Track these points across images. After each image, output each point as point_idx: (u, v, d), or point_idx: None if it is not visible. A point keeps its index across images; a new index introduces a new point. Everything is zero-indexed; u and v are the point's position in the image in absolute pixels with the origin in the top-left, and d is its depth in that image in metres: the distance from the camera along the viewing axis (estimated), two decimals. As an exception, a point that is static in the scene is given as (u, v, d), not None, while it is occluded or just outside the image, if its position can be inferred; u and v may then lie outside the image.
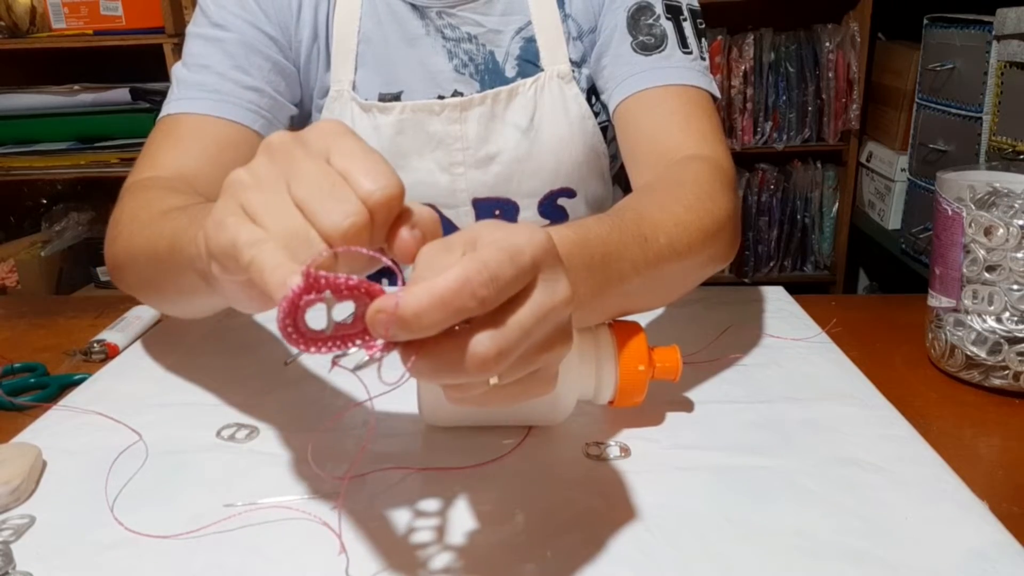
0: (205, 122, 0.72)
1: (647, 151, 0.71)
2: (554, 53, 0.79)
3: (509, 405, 0.38)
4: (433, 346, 0.34)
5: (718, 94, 0.76)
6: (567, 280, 0.36)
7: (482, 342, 0.33)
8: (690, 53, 0.75)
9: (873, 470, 0.49)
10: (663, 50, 0.74)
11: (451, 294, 0.32)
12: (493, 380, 0.36)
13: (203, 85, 0.73)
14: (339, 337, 0.33)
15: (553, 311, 0.35)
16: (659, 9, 0.76)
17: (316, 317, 0.32)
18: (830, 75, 1.93)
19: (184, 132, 0.72)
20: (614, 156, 0.85)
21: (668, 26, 0.75)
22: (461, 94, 0.79)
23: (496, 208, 0.83)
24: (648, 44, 0.74)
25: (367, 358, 0.34)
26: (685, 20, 0.76)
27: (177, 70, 0.76)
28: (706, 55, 0.77)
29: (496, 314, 0.34)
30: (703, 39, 0.77)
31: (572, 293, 0.36)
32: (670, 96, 0.72)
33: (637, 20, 0.76)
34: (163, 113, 0.74)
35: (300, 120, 0.85)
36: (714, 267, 0.61)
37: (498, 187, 0.81)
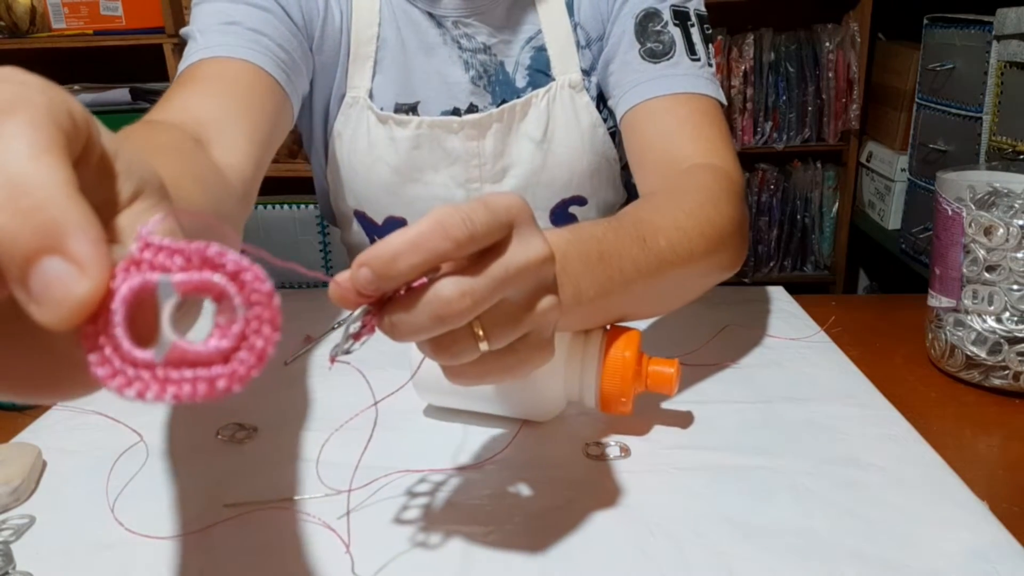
0: (236, 65, 0.66)
1: (655, 160, 0.70)
2: (565, 62, 0.78)
3: (509, 377, 0.39)
4: (404, 298, 0.34)
5: (725, 101, 0.75)
6: (543, 239, 0.37)
7: (446, 285, 0.34)
8: (698, 60, 0.74)
9: (873, 470, 0.49)
10: (671, 57, 0.73)
11: (424, 236, 0.33)
12: (483, 346, 0.36)
13: (234, 33, 0.68)
14: (184, 360, 0.19)
15: (528, 266, 0.36)
16: (667, 16, 0.75)
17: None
18: (830, 75, 1.93)
19: (207, 75, 0.65)
20: (625, 161, 0.85)
21: (676, 33, 0.74)
22: (476, 107, 0.79)
23: None
24: (656, 51, 0.74)
25: (351, 340, 0.35)
26: (693, 26, 0.75)
27: (191, 31, 0.70)
28: (713, 61, 0.76)
29: (469, 266, 0.35)
30: (710, 45, 0.76)
31: (549, 252, 0.37)
32: (678, 104, 0.72)
33: (645, 27, 0.75)
34: (184, 65, 0.67)
35: (307, 118, 0.83)
36: (720, 275, 0.61)
37: None
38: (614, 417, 0.56)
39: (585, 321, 0.51)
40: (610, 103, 0.79)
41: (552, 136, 0.79)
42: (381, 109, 0.78)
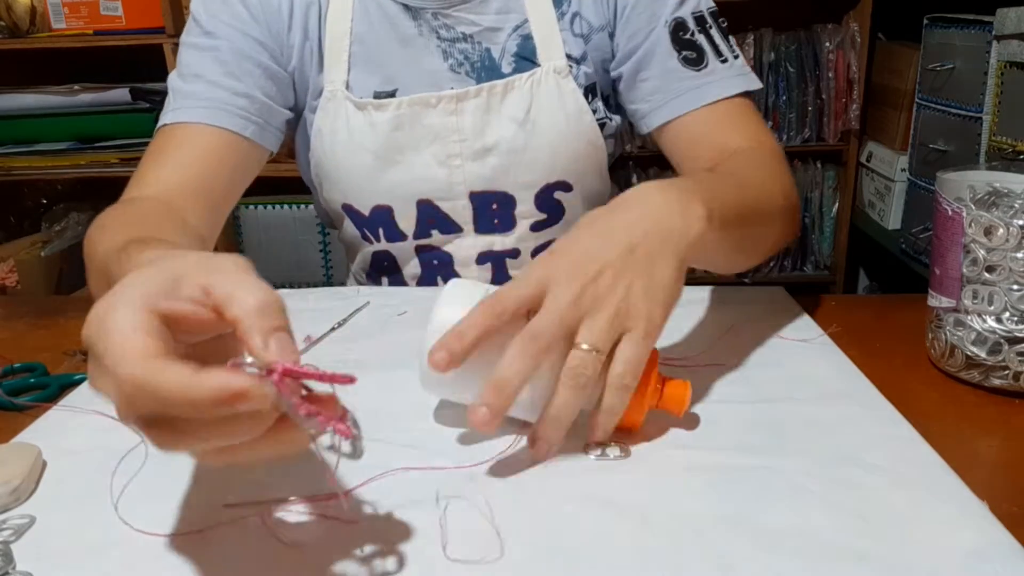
0: (196, 131, 0.75)
1: (708, 155, 0.77)
2: (550, 49, 0.80)
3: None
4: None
5: (758, 84, 0.81)
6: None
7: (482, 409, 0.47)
8: (725, 61, 0.79)
9: (873, 470, 0.49)
10: (706, 65, 0.79)
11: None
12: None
13: (195, 95, 0.75)
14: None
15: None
16: (691, 24, 0.79)
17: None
18: (830, 75, 1.92)
19: (174, 144, 0.75)
20: (611, 152, 0.86)
21: (702, 39, 0.79)
22: None
23: (493, 201, 0.84)
24: (691, 59, 0.79)
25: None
26: (711, 28, 0.80)
27: (172, 80, 0.78)
28: (737, 51, 0.80)
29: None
30: (729, 37, 0.81)
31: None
32: (719, 109, 0.78)
33: (678, 35, 0.79)
34: (159, 124, 0.77)
35: (296, 123, 0.85)
36: (785, 240, 0.71)
37: (495, 180, 0.82)
38: (614, 417, 0.56)
39: (716, 251, 0.58)
40: (639, 106, 0.82)
41: (536, 118, 0.80)
42: (360, 98, 0.80)
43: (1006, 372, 0.59)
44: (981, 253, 0.58)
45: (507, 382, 0.47)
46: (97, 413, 0.58)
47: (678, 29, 0.79)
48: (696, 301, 0.76)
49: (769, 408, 0.57)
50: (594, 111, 0.82)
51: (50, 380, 0.65)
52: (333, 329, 0.72)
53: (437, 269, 0.88)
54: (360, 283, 0.96)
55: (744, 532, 0.44)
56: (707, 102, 0.78)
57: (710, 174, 0.65)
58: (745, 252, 0.66)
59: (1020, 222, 0.56)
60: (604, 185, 0.88)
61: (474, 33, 0.80)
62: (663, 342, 0.68)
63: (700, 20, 0.80)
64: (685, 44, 0.79)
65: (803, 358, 0.65)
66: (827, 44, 1.92)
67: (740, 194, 0.61)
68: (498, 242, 0.86)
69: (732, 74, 0.79)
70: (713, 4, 0.81)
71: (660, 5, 0.79)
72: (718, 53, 0.79)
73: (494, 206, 0.84)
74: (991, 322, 0.59)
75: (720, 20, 0.81)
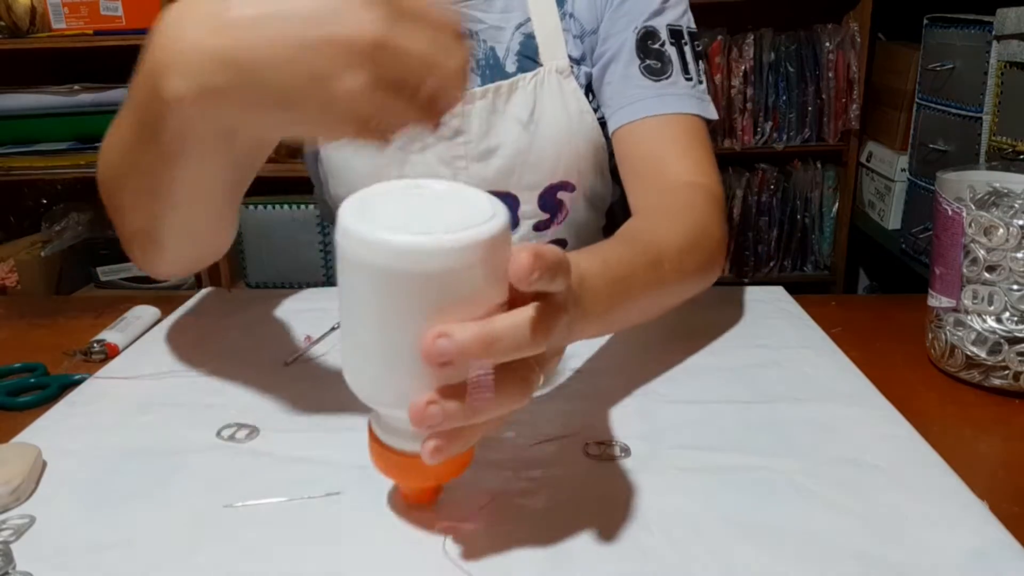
0: None
1: (647, 174, 0.75)
2: (553, 49, 0.81)
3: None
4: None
5: (716, 116, 0.79)
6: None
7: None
8: (691, 80, 0.78)
9: (873, 470, 0.49)
10: (668, 77, 0.77)
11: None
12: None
13: None
14: None
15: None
16: (664, 35, 0.78)
17: None
18: (830, 75, 1.93)
19: None
20: (611, 152, 0.86)
21: (672, 52, 0.78)
22: None
23: None
24: (654, 68, 0.78)
25: None
26: (686, 45, 0.79)
27: None
28: (704, 78, 0.80)
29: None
30: (700, 61, 0.80)
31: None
32: (673, 124, 0.76)
33: (645, 43, 0.78)
34: None
35: None
36: (705, 286, 0.68)
37: (499, 180, 0.82)
38: (614, 417, 0.56)
39: (583, 334, 0.51)
40: (603, 110, 0.81)
41: (539, 119, 0.81)
42: None
43: (1006, 372, 0.59)
44: (981, 253, 0.58)
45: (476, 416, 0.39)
46: (97, 413, 0.58)
47: (647, 37, 0.78)
48: (696, 300, 0.75)
49: (769, 408, 0.57)
50: (595, 110, 0.82)
51: (50, 380, 0.64)
52: (333, 329, 0.73)
53: None
54: None
55: (744, 532, 0.44)
56: (659, 113, 0.76)
57: (618, 261, 0.55)
58: (639, 319, 0.62)
59: (1020, 222, 0.56)
60: (606, 185, 0.89)
61: (479, 31, 0.80)
62: (664, 343, 0.68)
63: (676, 34, 0.79)
64: (651, 53, 0.78)
65: (803, 358, 0.65)
66: (827, 44, 1.92)
67: (645, 278, 0.57)
68: None
69: (692, 94, 0.78)
70: (694, 26, 0.81)
71: (637, 13, 0.79)
72: (685, 70, 0.78)
73: None
74: (991, 322, 0.59)
75: (696, 43, 0.80)
